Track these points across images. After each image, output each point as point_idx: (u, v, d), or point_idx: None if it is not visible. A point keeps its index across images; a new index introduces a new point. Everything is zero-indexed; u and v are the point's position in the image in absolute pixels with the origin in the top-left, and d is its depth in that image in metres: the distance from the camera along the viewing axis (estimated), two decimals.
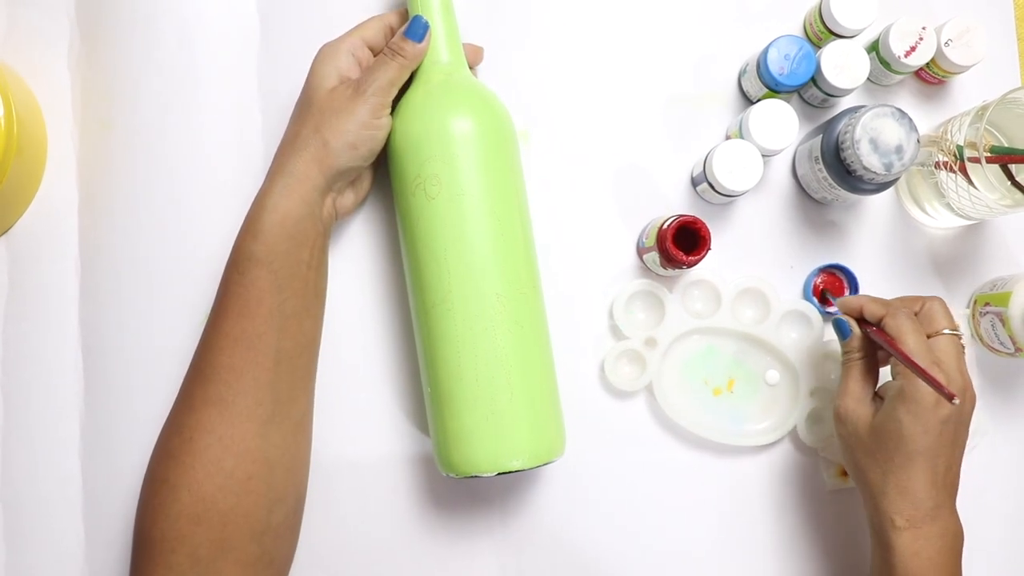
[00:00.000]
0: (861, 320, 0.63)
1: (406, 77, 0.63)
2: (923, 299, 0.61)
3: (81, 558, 0.67)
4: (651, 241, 0.66)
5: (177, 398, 0.59)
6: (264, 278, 0.57)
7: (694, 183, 0.70)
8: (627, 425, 0.69)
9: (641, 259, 0.70)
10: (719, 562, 0.69)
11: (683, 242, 0.64)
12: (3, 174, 0.64)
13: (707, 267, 0.69)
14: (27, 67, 0.70)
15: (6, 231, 0.69)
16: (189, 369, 0.59)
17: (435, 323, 0.61)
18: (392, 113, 0.63)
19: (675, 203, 0.71)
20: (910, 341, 0.58)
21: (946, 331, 0.59)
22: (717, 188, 0.67)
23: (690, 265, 0.64)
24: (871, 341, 0.62)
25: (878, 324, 0.61)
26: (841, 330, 0.63)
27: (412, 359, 0.68)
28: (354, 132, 0.59)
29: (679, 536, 0.69)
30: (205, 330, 0.59)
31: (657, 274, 0.70)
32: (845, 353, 0.62)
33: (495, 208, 0.61)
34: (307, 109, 0.61)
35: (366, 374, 0.69)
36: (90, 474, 0.67)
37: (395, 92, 0.62)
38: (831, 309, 0.70)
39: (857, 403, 0.60)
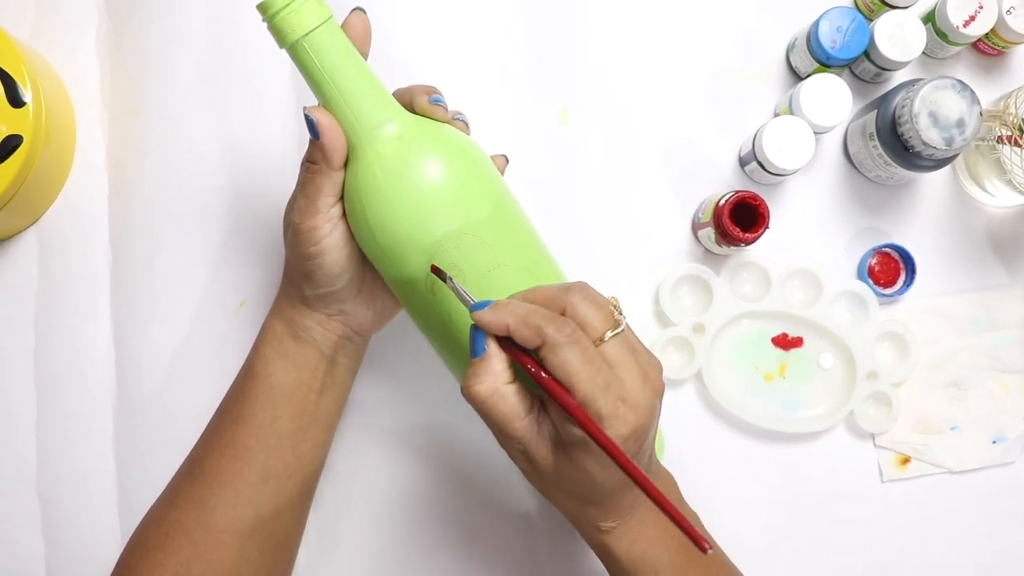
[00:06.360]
0: (510, 343, 0.45)
1: (328, 183, 0.50)
2: (563, 295, 0.46)
3: (117, 551, 0.65)
4: (707, 216, 0.64)
5: (166, 488, 0.58)
6: (260, 391, 0.55)
7: (742, 163, 0.68)
8: (676, 414, 0.67)
9: (696, 235, 0.68)
10: (769, 551, 0.67)
11: (740, 219, 0.61)
12: (32, 162, 0.62)
13: (756, 249, 0.67)
14: (55, 53, 0.68)
15: (35, 220, 0.67)
16: (184, 461, 0.58)
17: None
18: (355, 210, 0.50)
19: (722, 183, 0.68)
20: (584, 388, 0.43)
21: (609, 334, 0.45)
22: (767, 167, 0.64)
23: (747, 243, 0.61)
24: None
25: (535, 354, 0.45)
26: (474, 346, 0.46)
27: None
28: (300, 266, 0.53)
29: (729, 525, 0.66)
30: (208, 423, 0.58)
31: (711, 252, 0.67)
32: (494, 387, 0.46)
33: (526, 261, 0.52)
34: None
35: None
36: (124, 466, 0.66)
37: (325, 203, 0.51)
38: (887, 291, 0.67)
39: (535, 444, 0.46)
